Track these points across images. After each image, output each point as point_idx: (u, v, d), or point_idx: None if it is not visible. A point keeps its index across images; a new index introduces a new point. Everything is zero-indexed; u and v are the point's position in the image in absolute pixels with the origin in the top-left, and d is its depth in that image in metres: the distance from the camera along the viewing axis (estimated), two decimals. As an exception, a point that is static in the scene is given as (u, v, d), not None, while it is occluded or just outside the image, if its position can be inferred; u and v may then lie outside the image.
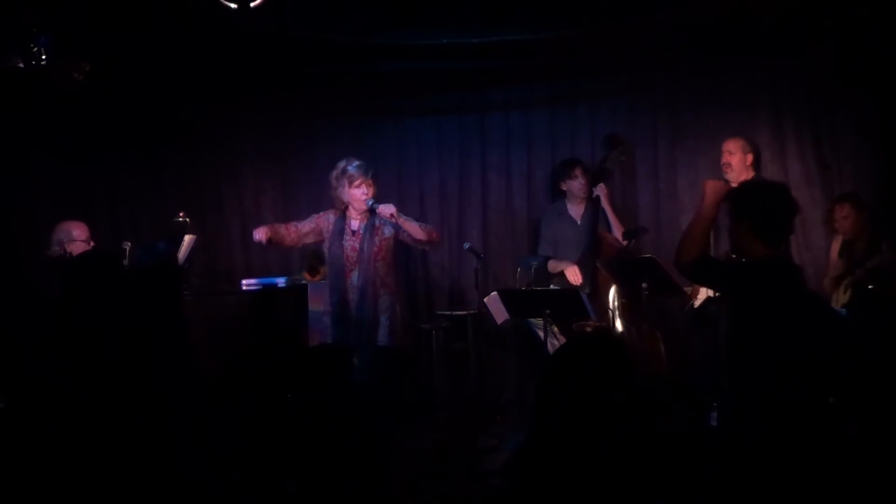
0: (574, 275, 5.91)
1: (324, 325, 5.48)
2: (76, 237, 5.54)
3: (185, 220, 6.08)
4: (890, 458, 3.19)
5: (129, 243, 5.84)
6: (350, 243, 5.45)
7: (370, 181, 5.43)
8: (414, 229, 5.40)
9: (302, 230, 5.55)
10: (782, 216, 3.49)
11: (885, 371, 3.58)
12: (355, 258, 5.41)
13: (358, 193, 5.40)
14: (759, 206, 3.45)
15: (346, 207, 5.49)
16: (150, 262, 5.21)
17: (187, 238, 5.96)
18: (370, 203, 5.38)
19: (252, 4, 4.59)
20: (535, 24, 5.84)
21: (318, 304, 5.71)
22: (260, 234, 5.44)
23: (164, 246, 5.78)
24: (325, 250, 5.55)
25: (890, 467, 3.11)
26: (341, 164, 5.47)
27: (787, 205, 3.53)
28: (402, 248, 5.90)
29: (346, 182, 5.41)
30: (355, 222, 5.48)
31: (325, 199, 5.69)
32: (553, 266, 6.16)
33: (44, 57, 5.01)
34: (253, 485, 2.66)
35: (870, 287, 5.41)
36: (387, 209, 5.34)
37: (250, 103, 6.80)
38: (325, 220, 5.54)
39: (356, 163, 5.45)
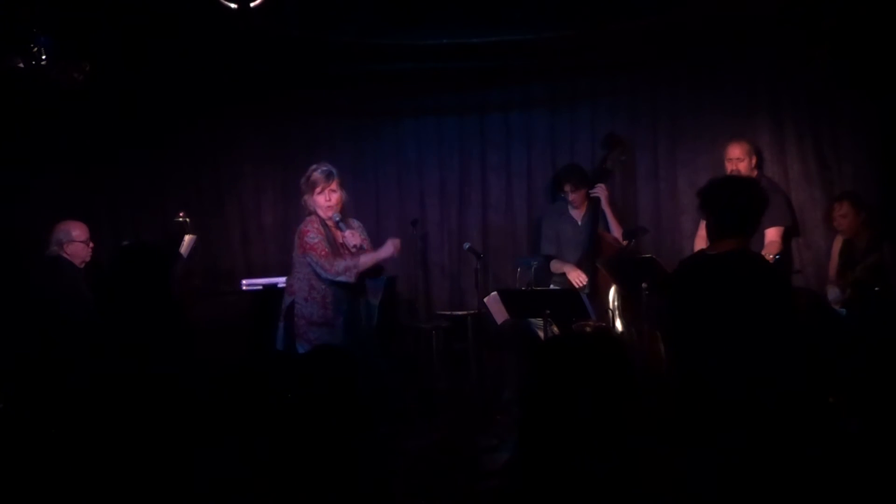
0: (578, 277, 5.92)
1: (316, 337, 5.10)
2: (75, 237, 5.54)
3: (185, 220, 6.08)
4: (890, 457, 3.19)
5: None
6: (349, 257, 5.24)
7: (334, 186, 5.15)
8: (364, 263, 5.12)
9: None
10: (747, 210, 3.52)
11: (884, 370, 3.58)
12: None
13: (321, 200, 5.15)
14: (723, 201, 3.49)
15: (314, 214, 5.22)
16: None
17: (187, 238, 5.97)
18: (336, 217, 5.15)
19: (252, 4, 4.59)
20: (535, 24, 5.84)
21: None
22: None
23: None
24: None
25: (890, 467, 3.11)
26: (309, 170, 5.23)
27: (751, 198, 3.55)
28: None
29: (310, 189, 5.17)
30: (338, 234, 5.23)
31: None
32: (556, 267, 6.16)
33: (44, 57, 5.01)
34: (255, 486, 2.66)
35: (876, 289, 5.41)
36: (353, 238, 5.12)
37: (250, 104, 6.80)
38: (320, 230, 5.21)
39: (321, 168, 5.18)
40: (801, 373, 3.30)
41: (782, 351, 3.30)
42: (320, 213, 5.20)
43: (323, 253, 5.10)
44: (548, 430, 2.22)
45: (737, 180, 4.01)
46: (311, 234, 5.17)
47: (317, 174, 5.17)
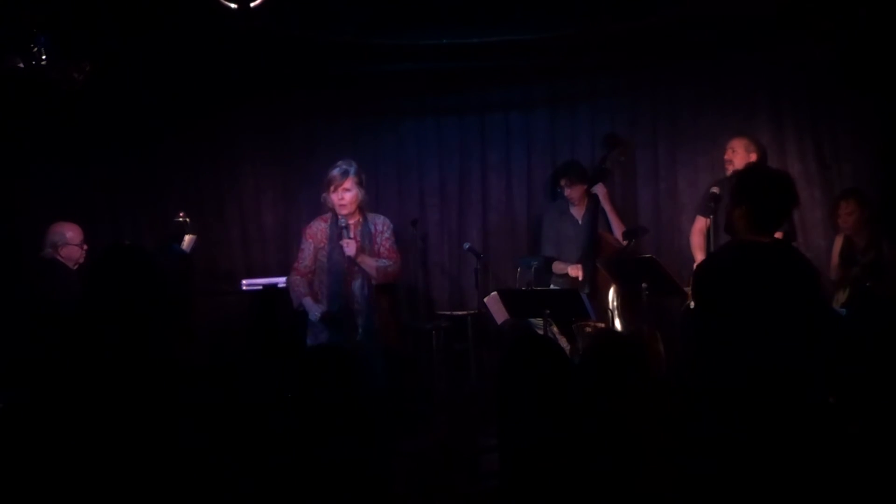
0: (577, 271, 5.92)
1: (320, 331, 5.22)
2: (70, 240, 5.52)
3: (185, 220, 6.08)
4: (890, 458, 3.19)
5: (129, 243, 5.85)
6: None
7: (348, 185, 5.18)
8: (370, 268, 5.21)
9: (309, 262, 5.30)
10: (779, 205, 3.50)
11: (884, 370, 3.58)
12: (356, 266, 5.25)
13: (335, 198, 5.21)
14: (758, 192, 3.46)
15: (330, 211, 5.31)
16: (167, 264, 5.21)
17: (187, 238, 5.96)
18: (342, 223, 5.20)
19: (252, 4, 4.59)
20: (535, 24, 5.84)
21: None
22: (316, 312, 5.21)
23: (178, 248, 5.79)
24: (324, 257, 5.29)
25: (890, 467, 3.11)
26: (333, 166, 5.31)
27: (785, 194, 3.54)
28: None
29: (326, 186, 5.23)
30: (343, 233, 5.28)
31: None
32: (558, 268, 6.16)
33: (44, 57, 5.01)
34: (254, 484, 2.66)
35: (867, 285, 5.43)
36: (348, 248, 5.15)
37: (250, 103, 6.81)
38: (316, 232, 5.32)
39: (339, 167, 5.23)
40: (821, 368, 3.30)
41: (819, 344, 3.30)
42: (335, 210, 5.25)
43: (295, 265, 5.37)
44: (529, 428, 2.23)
45: (780, 174, 3.92)
46: (303, 239, 5.36)
47: (333, 172, 5.25)
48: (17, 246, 6.08)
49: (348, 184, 5.20)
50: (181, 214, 6.10)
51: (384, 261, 5.29)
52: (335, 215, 5.29)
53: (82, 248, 5.58)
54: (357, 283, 5.24)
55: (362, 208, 5.34)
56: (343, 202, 5.21)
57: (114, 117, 6.39)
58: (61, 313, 5.13)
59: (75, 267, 5.53)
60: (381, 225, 5.38)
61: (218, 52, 5.99)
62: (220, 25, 5.36)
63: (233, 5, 4.60)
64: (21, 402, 3.19)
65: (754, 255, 3.43)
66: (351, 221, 5.28)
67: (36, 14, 4.98)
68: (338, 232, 5.24)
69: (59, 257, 5.48)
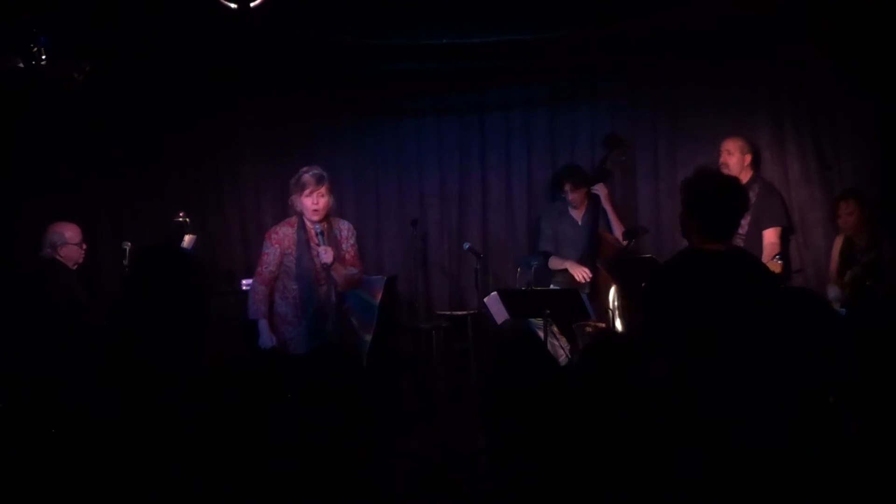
0: (580, 273, 5.91)
1: (291, 337, 5.16)
2: (69, 240, 5.52)
3: (185, 220, 6.08)
4: (890, 458, 3.18)
5: (129, 243, 5.86)
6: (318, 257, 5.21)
7: (323, 191, 5.12)
8: (340, 276, 5.16)
9: (274, 268, 5.19)
10: (729, 214, 3.50)
11: (884, 370, 3.57)
12: (325, 272, 5.15)
13: (308, 203, 5.12)
14: (708, 204, 3.46)
15: (301, 216, 5.22)
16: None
17: (187, 238, 5.97)
18: (317, 229, 5.12)
19: (252, 4, 4.59)
20: (535, 24, 5.84)
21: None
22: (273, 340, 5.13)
23: (186, 250, 5.79)
24: (293, 263, 5.19)
25: (890, 467, 3.11)
26: (300, 171, 5.22)
27: (735, 201, 3.54)
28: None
29: (298, 190, 5.15)
30: (314, 240, 5.20)
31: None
32: (555, 263, 6.16)
33: (44, 57, 5.01)
34: (254, 485, 2.66)
35: (868, 284, 5.43)
36: (326, 255, 5.07)
37: (250, 103, 6.81)
38: (283, 237, 5.21)
39: (312, 171, 5.16)
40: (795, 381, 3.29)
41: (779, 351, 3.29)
42: (306, 215, 5.21)
43: (259, 270, 5.22)
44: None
45: (727, 181, 3.91)
46: (268, 243, 5.23)
47: (307, 176, 5.16)
48: (17, 246, 6.09)
49: (323, 190, 5.13)
50: (181, 214, 6.11)
51: (352, 269, 5.25)
52: (302, 220, 5.24)
53: (81, 248, 5.58)
54: (324, 289, 5.19)
55: (329, 214, 5.26)
56: (318, 207, 5.12)
57: (113, 117, 6.40)
58: (65, 317, 5.14)
59: (75, 267, 5.54)
60: (347, 231, 5.31)
61: (218, 52, 5.99)
62: (220, 25, 5.36)
63: (233, 5, 4.60)
64: (21, 401, 3.19)
65: (708, 264, 3.43)
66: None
67: (36, 14, 4.98)
68: (306, 238, 5.16)
69: (58, 257, 5.48)
